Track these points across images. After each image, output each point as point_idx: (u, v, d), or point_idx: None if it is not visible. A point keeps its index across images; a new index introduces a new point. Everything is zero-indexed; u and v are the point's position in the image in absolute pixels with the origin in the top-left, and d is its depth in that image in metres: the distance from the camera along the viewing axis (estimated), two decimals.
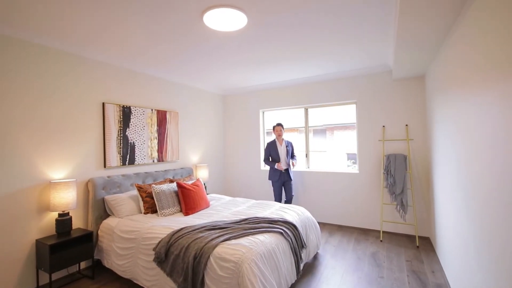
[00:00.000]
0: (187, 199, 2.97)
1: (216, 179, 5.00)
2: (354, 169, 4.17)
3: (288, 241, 2.33)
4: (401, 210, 3.53)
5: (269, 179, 4.10)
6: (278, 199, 4.04)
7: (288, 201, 4.07)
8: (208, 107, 4.87)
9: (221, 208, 3.12)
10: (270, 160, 4.12)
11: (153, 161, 3.68)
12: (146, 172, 3.48)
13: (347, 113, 4.40)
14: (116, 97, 3.24)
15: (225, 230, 2.25)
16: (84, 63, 2.94)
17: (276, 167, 3.95)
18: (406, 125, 3.65)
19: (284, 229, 2.37)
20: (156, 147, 3.74)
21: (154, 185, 2.95)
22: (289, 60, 3.41)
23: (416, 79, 3.59)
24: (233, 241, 2.06)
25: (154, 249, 2.22)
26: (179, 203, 3.03)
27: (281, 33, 2.57)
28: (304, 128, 4.61)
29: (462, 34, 1.87)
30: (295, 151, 4.22)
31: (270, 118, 5.08)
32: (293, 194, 4.09)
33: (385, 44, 2.91)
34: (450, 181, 2.32)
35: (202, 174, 4.32)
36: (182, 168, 4.06)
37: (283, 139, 4.09)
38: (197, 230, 2.26)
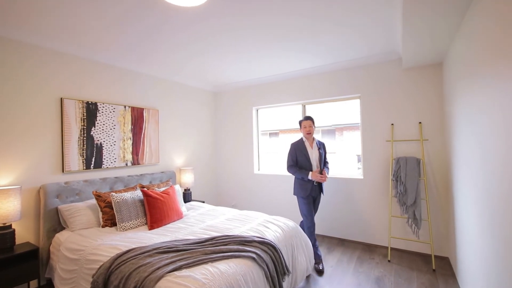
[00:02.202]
0: (153, 209, 2.52)
1: (205, 184, 4.55)
2: (359, 174, 3.60)
3: (263, 268, 1.83)
4: (413, 225, 2.94)
5: (295, 193, 2.93)
6: (310, 219, 2.85)
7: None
8: (197, 104, 4.43)
9: (194, 220, 2.65)
10: (298, 166, 2.93)
11: (126, 164, 3.26)
12: (116, 177, 3.06)
13: (357, 111, 3.84)
14: (78, 92, 2.85)
15: (181, 254, 1.78)
16: (39, 53, 2.55)
17: (310, 177, 2.76)
18: (420, 122, 3.06)
19: (258, 252, 1.87)
20: (130, 149, 3.32)
21: (113, 193, 2.52)
22: (276, 46, 2.91)
23: (431, 67, 3.00)
24: (184, 272, 1.58)
25: (92, 276, 1.78)
26: (145, 214, 2.59)
27: (258, 10, 2.08)
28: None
29: None
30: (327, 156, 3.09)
31: (267, 117, 4.58)
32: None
33: (392, 24, 2.36)
34: (477, 190, 1.75)
35: (187, 178, 3.88)
36: (162, 172, 3.63)
37: (314, 138, 2.97)
38: (147, 253, 1.80)
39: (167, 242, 1.96)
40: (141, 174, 3.35)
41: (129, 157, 3.30)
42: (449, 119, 2.63)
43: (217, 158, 4.82)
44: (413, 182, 2.93)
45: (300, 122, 3.00)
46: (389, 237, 3.05)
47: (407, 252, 3.14)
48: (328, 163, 3.08)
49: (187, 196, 3.86)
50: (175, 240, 2.01)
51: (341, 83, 3.58)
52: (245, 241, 1.99)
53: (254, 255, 1.82)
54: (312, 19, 2.28)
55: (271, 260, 1.94)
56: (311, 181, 2.83)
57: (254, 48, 2.91)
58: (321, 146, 3.00)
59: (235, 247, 1.87)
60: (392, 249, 3.21)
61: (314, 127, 2.95)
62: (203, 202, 3.96)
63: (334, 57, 3.27)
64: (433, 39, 2.32)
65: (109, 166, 3.07)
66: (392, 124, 3.22)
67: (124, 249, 1.92)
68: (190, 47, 2.85)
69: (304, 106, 4.01)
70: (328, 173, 2.94)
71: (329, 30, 2.49)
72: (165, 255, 1.77)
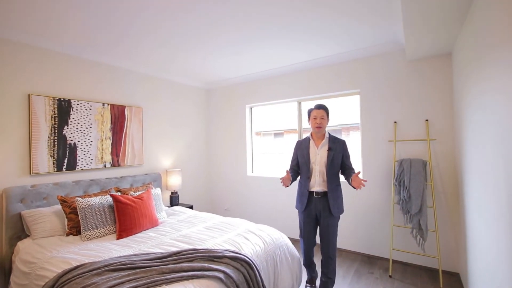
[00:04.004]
0: (123, 217, 2.28)
1: (195, 187, 4.30)
2: None
3: None
4: (418, 236, 2.60)
5: (295, 206, 2.35)
6: (305, 241, 2.28)
7: (325, 259, 2.19)
8: (186, 103, 4.19)
9: (169, 229, 2.40)
10: (299, 171, 2.33)
11: (105, 165, 3.04)
12: (91, 180, 2.84)
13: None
14: (48, 88, 2.64)
15: (133, 274, 1.52)
16: (3, 46, 2.36)
17: (280, 181, 2.16)
18: (426, 120, 2.71)
19: (228, 271, 1.59)
20: (110, 149, 3.10)
21: (78, 198, 2.29)
22: (266, 34, 2.62)
23: (439, 57, 2.65)
24: None
25: None
26: (115, 221, 2.35)
27: None
28: (299, 128, 3.77)
29: None
30: (351, 160, 2.27)
31: (269, 116, 4.28)
32: (334, 250, 2.17)
33: (391, 10, 2.04)
34: (493, 197, 1.42)
35: (174, 181, 3.64)
36: (146, 174, 3.40)
37: (325, 134, 2.25)
38: (96, 271, 1.55)
39: (123, 257, 1.71)
40: (121, 177, 3.13)
41: (108, 158, 3.08)
42: (460, 116, 2.29)
43: (209, 159, 4.57)
44: (418, 187, 2.58)
45: (310, 112, 2.26)
46: (390, 249, 2.72)
47: (411, 265, 2.79)
48: (353, 169, 2.21)
49: (174, 200, 3.62)
50: (134, 255, 1.76)
51: (337, 77, 3.26)
52: (214, 257, 1.71)
53: (221, 275, 1.55)
54: (302, 2, 1.98)
55: (245, 280, 1.66)
56: (307, 192, 2.19)
57: (244, 36, 2.63)
58: (335, 146, 2.18)
59: (200, 264, 1.60)
60: (394, 261, 2.86)
61: (328, 119, 2.24)
62: (191, 206, 3.73)
63: (329, 49, 2.96)
64: (439, 26, 1.99)
65: (84, 168, 2.86)
66: (395, 122, 2.88)
67: (75, 264, 1.68)
68: (174, 40, 2.60)
69: (300, 103, 3.71)
70: (334, 185, 2.11)
71: (322, 16, 2.19)
72: (115, 274, 1.51)
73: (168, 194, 3.78)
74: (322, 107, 2.22)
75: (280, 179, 2.17)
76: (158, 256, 1.71)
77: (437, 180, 2.67)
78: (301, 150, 2.27)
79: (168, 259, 1.68)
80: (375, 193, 3.01)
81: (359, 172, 2.08)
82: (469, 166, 1.98)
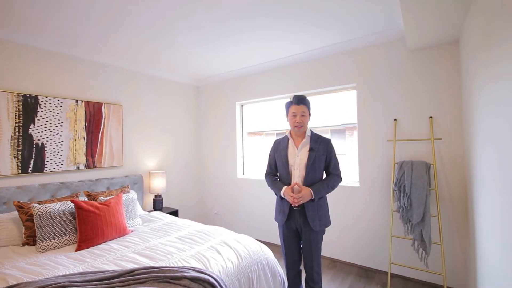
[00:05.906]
0: (84, 225, 2.04)
1: (183, 190, 4.04)
2: (355, 180, 2.96)
3: None
4: (420, 249, 2.29)
5: (274, 218, 1.96)
6: (288, 260, 1.87)
7: (309, 276, 1.82)
8: (174, 100, 3.94)
9: (137, 239, 2.15)
10: (278, 177, 1.98)
11: (78, 167, 2.82)
12: (61, 183, 2.63)
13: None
14: (11, 83, 2.43)
15: None
16: None
17: (283, 194, 1.79)
18: (430, 117, 2.40)
19: None
20: (84, 150, 2.88)
21: (35, 204, 2.06)
22: (253, 26, 2.35)
23: (444, 46, 2.33)
24: None
25: None
26: (77, 230, 2.12)
27: None
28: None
29: None
30: (337, 162, 1.88)
31: (262, 115, 4.00)
32: (319, 265, 1.82)
33: None
34: (506, 205, 1.13)
35: (157, 183, 3.40)
36: (126, 176, 3.17)
37: (307, 132, 1.86)
38: None
39: (65, 277, 1.46)
40: (96, 179, 2.90)
41: (81, 159, 2.86)
42: (469, 112, 1.97)
43: (198, 160, 4.31)
44: (421, 193, 2.27)
45: (288, 107, 1.87)
46: (389, 262, 2.41)
47: (412, 281, 2.48)
48: (338, 174, 1.85)
49: (157, 204, 3.39)
50: (80, 273, 1.51)
51: (331, 70, 2.96)
52: (171, 278, 1.45)
53: None
54: None
55: None
56: (286, 201, 1.80)
57: (231, 28, 2.36)
58: (318, 146, 1.81)
59: None
60: (393, 275, 2.56)
61: (310, 115, 1.87)
62: (177, 211, 3.49)
63: (322, 39, 2.66)
64: (441, 8, 1.68)
65: (54, 170, 2.64)
66: (395, 120, 2.58)
67: (12, 282, 1.45)
68: (158, 33, 2.35)
69: None
70: (317, 193, 1.72)
71: (313, 1, 1.91)
72: None
73: (151, 198, 3.54)
74: (303, 102, 1.82)
75: (289, 195, 1.72)
76: (106, 276, 1.46)
77: (442, 185, 2.35)
78: (279, 152, 1.91)
79: (115, 280, 1.43)
80: (372, 199, 2.71)
81: (296, 184, 1.75)
82: (480, 170, 1.67)
